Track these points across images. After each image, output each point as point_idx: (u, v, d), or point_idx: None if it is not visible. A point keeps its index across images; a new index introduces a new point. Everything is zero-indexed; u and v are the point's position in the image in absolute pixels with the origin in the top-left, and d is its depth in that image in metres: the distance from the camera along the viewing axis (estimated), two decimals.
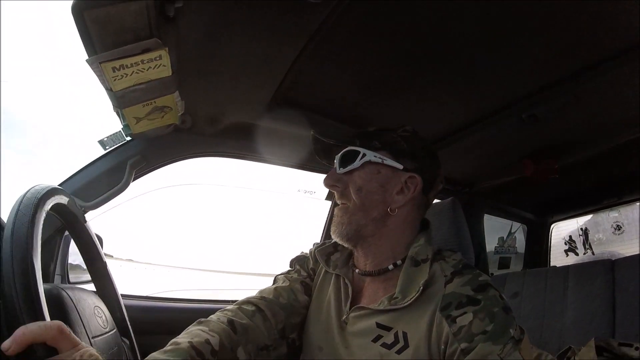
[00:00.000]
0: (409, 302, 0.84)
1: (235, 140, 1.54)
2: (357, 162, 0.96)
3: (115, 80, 0.98)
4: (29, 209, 0.73)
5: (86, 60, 0.92)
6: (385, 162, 0.95)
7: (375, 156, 0.95)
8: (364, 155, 0.95)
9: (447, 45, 1.13)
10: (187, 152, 1.49)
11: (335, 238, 0.99)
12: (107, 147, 1.30)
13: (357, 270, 1.01)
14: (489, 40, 1.10)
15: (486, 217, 2.63)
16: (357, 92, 1.35)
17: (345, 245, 0.99)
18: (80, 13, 0.80)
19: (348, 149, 0.98)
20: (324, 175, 1.01)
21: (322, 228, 2.12)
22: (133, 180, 1.37)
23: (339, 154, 1.00)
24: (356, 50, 1.14)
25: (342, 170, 0.98)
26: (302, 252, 1.18)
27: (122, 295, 1.22)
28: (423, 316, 0.83)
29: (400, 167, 0.95)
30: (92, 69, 0.94)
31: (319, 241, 1.30)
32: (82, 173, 1.35)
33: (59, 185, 1.31)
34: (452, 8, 0.99)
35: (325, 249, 1.09)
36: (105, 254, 1.19)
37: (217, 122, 1.43)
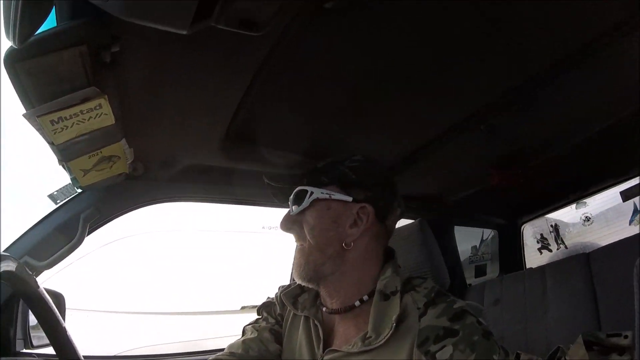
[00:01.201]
0: (383, 340, 0.81)
1: (192, 183, 1.51)
2: (306, 201, 0.94)
3: (55, 133, 0.95)
4: None
5: (23, 115, 0.88)
6: (333, 196, 0.94)
7: (322, 192, 0.94)
8: (312, 193, 0.95)
9: (397, 68, 1.14)
10: (142, 200, 1.45)
11: (297, 280, 0.97)
12: (58, 201, 1.25)
13: (324, 309, 0.98)
14: (438, 58, 1.12)
15: (456, 228, 2.64)
16: (312, 124, 1.35)
17: (309, 286, 0.97)
18: (13, 66, 0.78)
19: (298, 189, 0.97)
20: (287, 210, 1.01)
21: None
22: (88, 234, 1.31)
23: (291, 196, 0.99)
24: (306, 81, 1.14)
25: (295, 212, 0.96)
26: (269, 298, 1.14)
27: (85, 357, 1.12)
28: (400, 354, 0.80)
29: (350, 199, 0.94)
30: (30, 123, 0.90)
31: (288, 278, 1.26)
32: (34, 230, 1.28)
33: (9, 245, 1.25)
34: (398, 29, 1.00)
35: (292, 292, 1.06)
36: None
37: (170, 167, 1.39)
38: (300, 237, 0.97)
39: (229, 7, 0.69)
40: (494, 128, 1.49)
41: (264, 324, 1.06)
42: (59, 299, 1.29)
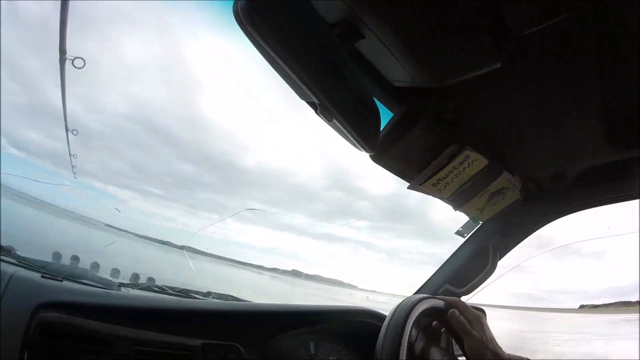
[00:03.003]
0: None
1: (592, 187, 1.22)
2: None
3: (440, 191, 1.07)
4: (401, 314, 0.89)
5: (408, 188, 1.06)
6: None
7: None
8: None
9: None
10: (545, 217, 1.33)
11: None
12: (465, 235, 1.37)
13: None
14: None
15: None
16: None
17: None
18: (381, 160, 0.94)
19: None
20: None
21: None
22: (499, 259, 1.33)
23: None
24: None
25: None
26: None
27: None
28: None
29: None
30: (417, 191, 1.07)
31: None
32: (449, 262, 1.43)
33: (432, 276, 1.43)
34: None
35: None
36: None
37: (563, 177, 1.20)
38: None
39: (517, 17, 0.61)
40: None
41: None
42: (482, 313, 1.38)
